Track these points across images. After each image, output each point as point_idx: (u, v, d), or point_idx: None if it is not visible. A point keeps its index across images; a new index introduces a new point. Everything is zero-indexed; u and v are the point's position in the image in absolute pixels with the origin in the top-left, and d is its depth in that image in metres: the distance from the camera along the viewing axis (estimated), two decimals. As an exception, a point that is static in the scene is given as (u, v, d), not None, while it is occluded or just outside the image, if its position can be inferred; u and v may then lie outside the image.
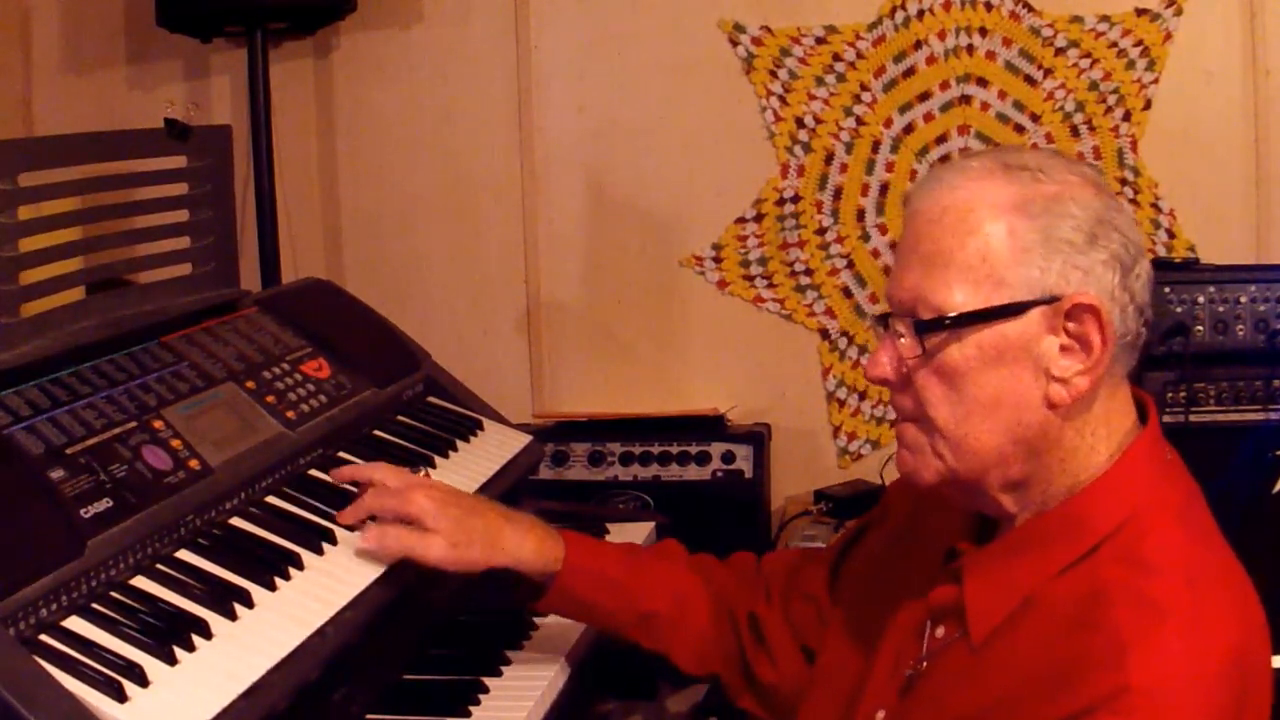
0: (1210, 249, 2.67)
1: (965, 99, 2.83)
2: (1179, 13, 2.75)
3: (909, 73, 2.84)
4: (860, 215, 2.90)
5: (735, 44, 2.88)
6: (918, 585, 1.26)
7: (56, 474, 1.31)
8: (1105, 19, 2.78)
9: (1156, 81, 2.78)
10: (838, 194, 2.90)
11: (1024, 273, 1.13)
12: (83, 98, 3.02)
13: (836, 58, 2.86)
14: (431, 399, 2.00)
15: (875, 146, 2.87)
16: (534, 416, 2.93)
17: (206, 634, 1.24)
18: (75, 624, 1.20)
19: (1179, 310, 2.27)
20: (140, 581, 1.30)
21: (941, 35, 2.82)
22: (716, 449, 2.76)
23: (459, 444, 1.87)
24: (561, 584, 1.50)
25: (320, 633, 1.33)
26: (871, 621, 1.32)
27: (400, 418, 1.89)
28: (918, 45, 2.83)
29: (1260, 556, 1.19)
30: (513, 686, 1.53)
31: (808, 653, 1.48)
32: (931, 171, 1.33)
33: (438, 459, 1.80)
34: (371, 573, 1.45)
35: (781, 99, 2.88)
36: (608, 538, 2.00)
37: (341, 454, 1.71)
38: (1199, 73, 2.76)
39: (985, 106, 2.83)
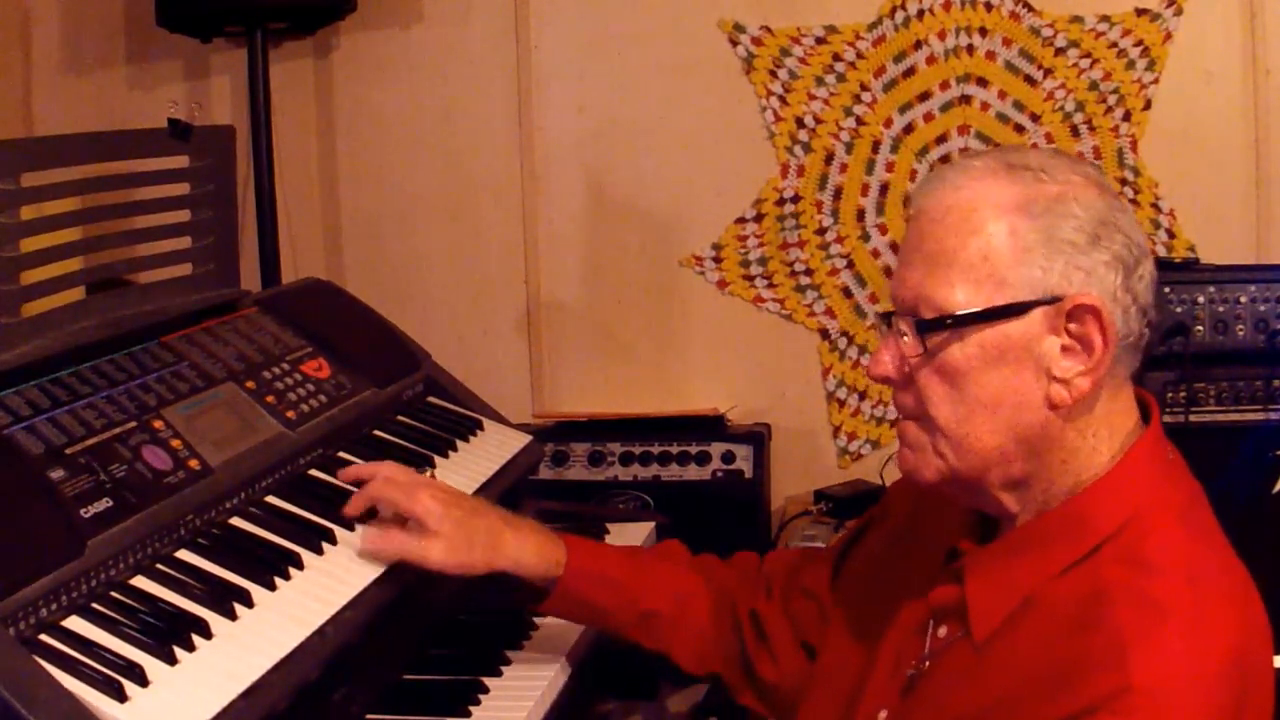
0: (1210, 249, 2.67)
1: (965, 99, 2.83)
2: (1179, 13, 2.75)
3: (909, 73, 2.84)
4: (860, 215, 2.90)
5: (735, 44, 2.88)
6: (919, 585, 1.26)
7: (56, 474, 1.31)
8: (1105, 19, 2.78)
9: (1156, 81, 2.78)
10: (838, 194, 2.90)
11: (1026, 273, 1.13)
12: (83, 98, 3.02)
13: (836, 58, 2.86)
14: (431, 399, 2.00)
15: (875, 146, 2.87)
16: (534, 416, 2.93)
17: (206, 634, 1.24)
18: (75, 624, 1.20)
19: (1179, 310, 2.27)
20: (140, 581, 1.30)
21: (941, 35, 2.82)
22: (716, 449, 2.76)
23: (459, 444, 1.87)
24: (564, 587, 1.51)
25: (320, 633, 1.33)
26: (873, 621, 1.33)
27: (400, 418, 1.89)
28: (918, 45, 2.83)
29: (1260, 556, 1.19)
30: (513, 686, 1.53)
31: (808, 649, 1.48)
32: (935, 171, 1.33)
33: (438, 459, 1.80)
34: (371, 573, 1.45)
35: (781, 99, 2.88)
36: (608, 538, 2.00)
37: (341, 454, 1.71)
38: (1199, 73, 2.76)
39: (985, 106, 2.83)
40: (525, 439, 2.00)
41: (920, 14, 2.82)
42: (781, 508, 2.88)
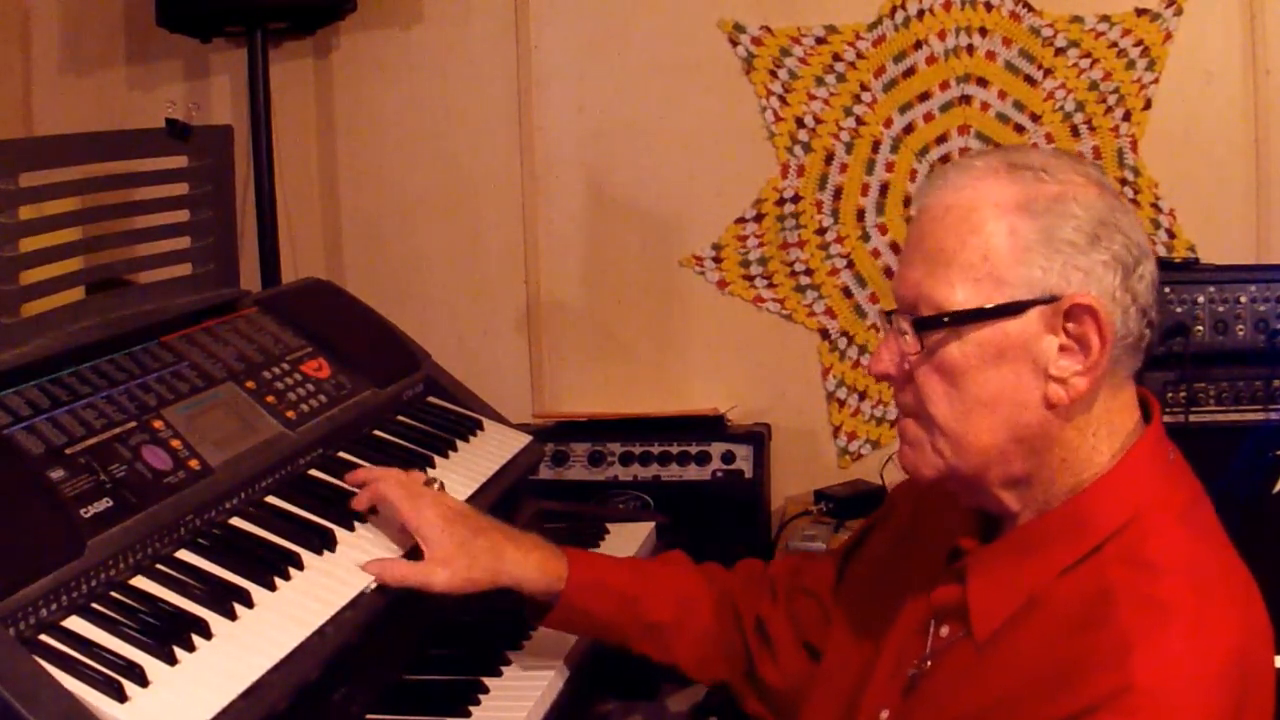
0: (1210, 249, 2.67)
1: (965, 99, 2.83)
2: (1179, 13, 2.75)
3: (909, 73, 2.84)
4: (860, 215, 2.90)
5: (735, 44, 2.88)
6: (921, 584, 1.27)
7: (56, 474, 1.31)
8: (1105, 19, 2.78)
9: (1156, 81, 2.78)
10: (838, 194, 2.90)
11: (1025, 272, 1.13)
12: (83, 98, 3.02)
13: (836, 58, 2.86)
14: (431, 399, 2.00)
15: (875, 146, 2.87)
16: (534, 416, 2.93)
17: (206, 634, 1.24)
18: (75, 624, 1.20)
19: (1179, 310, 2.27)
20: (140, 581, 1.30)
21: (941, 35, 2.82)
22: (716, 449, 2.76)
23: (459, 444, 1.87)
24: (567, 601, 1.51)
25: (320, 633, 1.33)
26: (875, 621, 1.33)
27: (400, 418, 1.89)
28: (918, 45, 2.83)
29: (1260, 556, 1.19)
30: (513, 687, 1.53)
31: (811, 650, 1.48)
32: (938, 170, 1.34)
33: (438, 459, 1.80)
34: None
35: (781, 99, 2.88)
36: (608, 537, 2.00)
37: (341, 454, 1.71)
38: (1199, 73, 2.76)
39: (985, 106, 2.83)
40: (525, 439, 2.00)
41: (920, 14, 2.82)
42: (781, 508, 2.88)
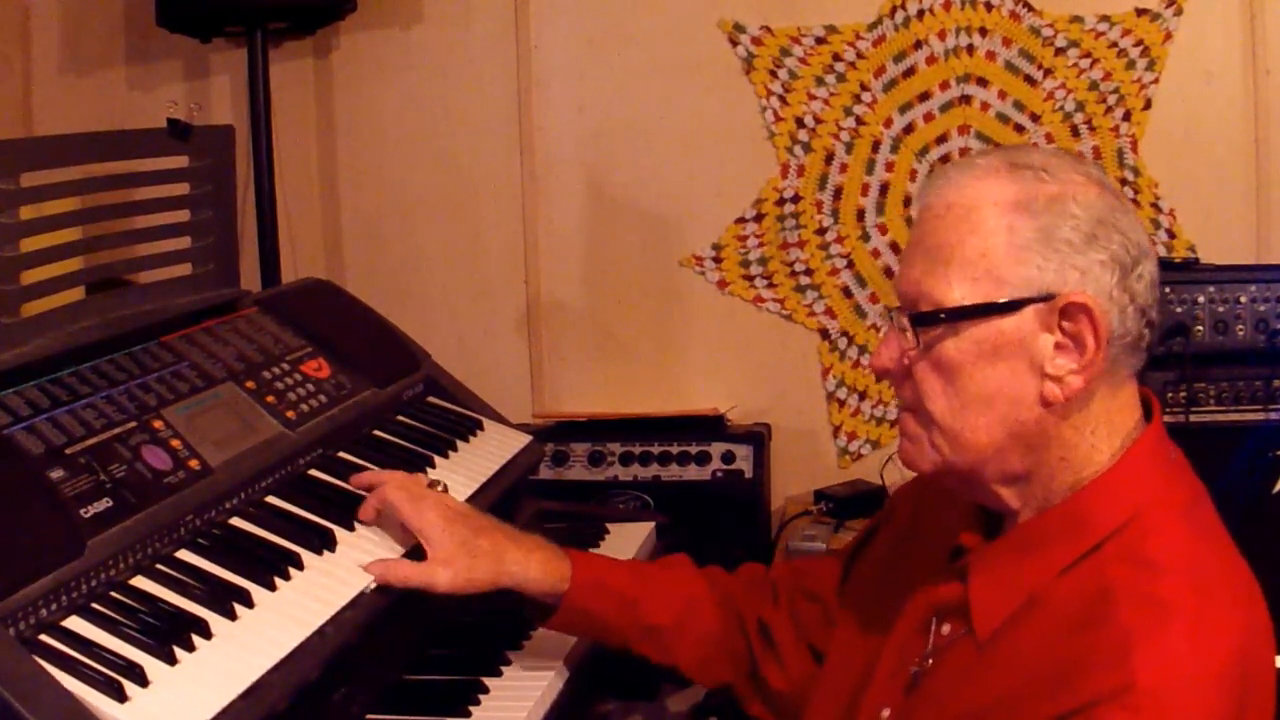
0: (1210, 249, 2.67)
1: (965, 99, 2.83)
2: (1179, 13, 2.75)
3: (909, 73, 2.84)
4: (860, 215, 2.90)
5: (735, 44, 2.88)
6: (923, 583, 1.27)
7: (56, 474, 1.31)
8: (1105, 19, 2.78)
9: (1156, 81, 2.78)
10: (838, 194, 2.90)
11: (1022, 271, 1.14)
12: (83, 98, 3.02)
13: (836, 58, 2.86)
14: (431, 399, 1.99)
15: (875, 146, 2.87)
16: (534, 416, 2.93)
17: (206, 634, 1.24)
18: (75, 624, 1.19)
19: (1179, 310, 2.27)
20: (140, 581, 1.30)
21: (941, 35, 2.82)
22: (716, 449, 2.76)
23: (459, 444, 1.87)
24: (570, 602, 1.51)
25: (320, 633, 1.33)
26: (877, 621, 1.33)
27: (400, 418, 1.88)
28: (918, 45, 2.83)
29: (1260, 557, 1.19)
30: (513, 687, 1.53)
31: (814, 653, 1.49)
32: (941, 168, 1.34)
33: (438, 459, 1.80)
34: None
35: (781, 99, 2.88)
36: (608, 538, 2.00)
37: (341, 454, 1.71)
38: (1199, 73, 2.76)
39: (985, 106, 2.83)
40: (525, 439, 2.00)
41: (920, 14, 2.82)
42: (781, 508, 2.88)
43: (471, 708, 1.46)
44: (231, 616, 1.29)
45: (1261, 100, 2.74)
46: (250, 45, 2.70)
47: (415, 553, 1.50)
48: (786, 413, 2.94)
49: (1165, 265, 2.32)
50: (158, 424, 1.49)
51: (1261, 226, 2.76)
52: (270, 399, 1.68)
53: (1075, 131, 2.81)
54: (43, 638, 1.16)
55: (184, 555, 1.37)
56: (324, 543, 1.46)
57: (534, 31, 2.93)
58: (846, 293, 2.93)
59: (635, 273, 2.98)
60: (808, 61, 2.86)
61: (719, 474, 2.75)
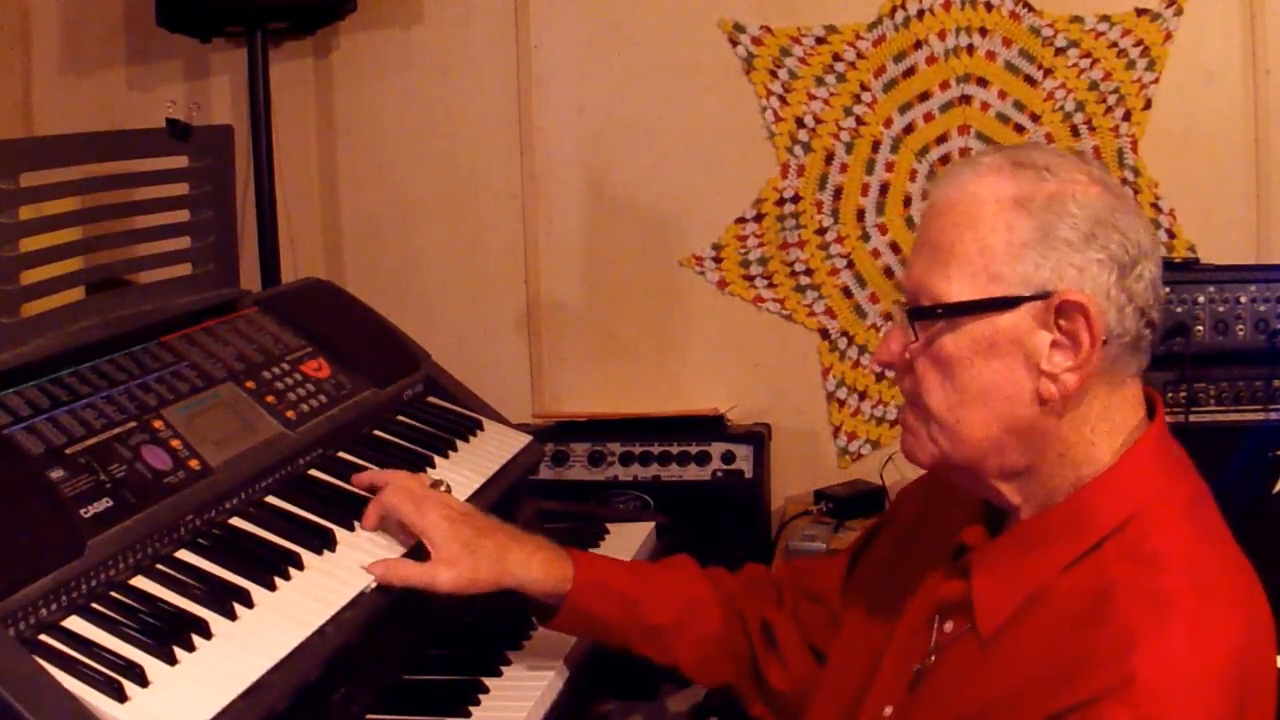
0: (1210, 249, 2.67)
1: (965, 99, 2.83)
2: (1179, 13, 2.75)
3: (909, 73, 2.84)
4: (860, 215, 2.90)
5: (735, 44, 2.88)
6: (926, 581, 1.27)
7: (56, 474, 1.31)
8: (1105, 19, 2.78)
9: (1156, 81, 2.78)
10: (838, 194, 2.90)
11: (1020, 268, 1.15)
12: (83, 98, 3.02)
13: (836, 58, 2.86)
14: (431, 399, 1.99)
15: (875, 146, 2.87)
16: (534, 416, 2.93)
17: (206, 634, 1.24)
18: (75, 624, 1.19)
19: (1179, 310, 2.27)
20: (140, 581, 1.30)
21: (941, 35, 2.82)
22: (716, 449, 2.76)
23: (459, 444, 1.87)
24: (572, 603, 1.50)
25: (320, 633, 1.33)
26: (879, 620, 1.33)
27: (400, 417, 1.88)
28: (918, 45, 2.83)
29: (1260, 556, 1.19)
30: (513, 686, 1.53)
31: (817, 654, 1.49)
32: (949, 165, 1.36)
33: (438, 459, 1.80)
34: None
35: (781, 99, 2.88)
36: (608, 538, 2.00)
37: (341, 454, 1.71)
38: (1199, 73, 2.76)
39: (985, 106, 2.83)
40: (525, 439, 1.99)
41: (920, 14, 2.82)
42: (781, 508, 2.88)
43: (471, 708, 1.46)
44: (231, 616, 1.29)
45: (1261, 100, 2.74)
46: (250, 45, 2.70)
47: (417, 553, 1.50)
48: (786, 413, 2.94)
49: (1165, 265, 2.34)
50: (158, 424, 1.49)
51: (1261, 226, 2.76)
52: (270, 399, 1.68)
53: (1075, 131, 2.81)
54: (43, 638, 1.16)
55: (184, 555, 1.37)
56: (324, 543, 1.46)
57: (534, 31, 2.93)
58: (846, 293, 2.93)
59: (635, 273, 2.98)
60: (808, 61, 2.86)
61: (719, 474, 2.75)
